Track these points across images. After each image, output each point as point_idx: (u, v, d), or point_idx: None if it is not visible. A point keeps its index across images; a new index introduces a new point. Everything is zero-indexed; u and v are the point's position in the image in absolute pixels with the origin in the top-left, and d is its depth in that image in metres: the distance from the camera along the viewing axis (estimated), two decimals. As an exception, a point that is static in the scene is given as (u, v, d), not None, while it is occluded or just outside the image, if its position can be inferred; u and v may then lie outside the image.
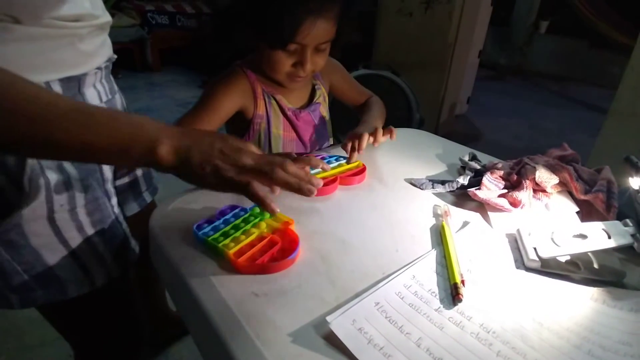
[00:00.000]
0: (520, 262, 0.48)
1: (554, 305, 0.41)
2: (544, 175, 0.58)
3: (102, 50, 0.56)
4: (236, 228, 0.50)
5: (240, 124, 0.77)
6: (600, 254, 0.47)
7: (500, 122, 3.06)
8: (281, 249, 0.47)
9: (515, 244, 0.51)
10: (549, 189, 0.58)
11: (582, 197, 0.57)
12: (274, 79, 0.74)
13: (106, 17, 0.55)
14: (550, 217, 0.56)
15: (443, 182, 0.63)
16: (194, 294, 0.41)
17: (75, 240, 0.53)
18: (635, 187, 0.52)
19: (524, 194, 0.57)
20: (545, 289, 0.44)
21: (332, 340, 0.36)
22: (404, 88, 2.03)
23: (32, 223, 0.48)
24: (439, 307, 0.40)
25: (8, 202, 0.46)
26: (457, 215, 0.57)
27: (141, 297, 0.72)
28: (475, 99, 3.13)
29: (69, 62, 0.49)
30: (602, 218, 0.53)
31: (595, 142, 1.67)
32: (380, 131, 0.70)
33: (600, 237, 0.47)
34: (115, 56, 0.61)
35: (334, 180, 0.63)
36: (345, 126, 0.81)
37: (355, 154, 0.68)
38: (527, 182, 0.58)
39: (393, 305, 0.40)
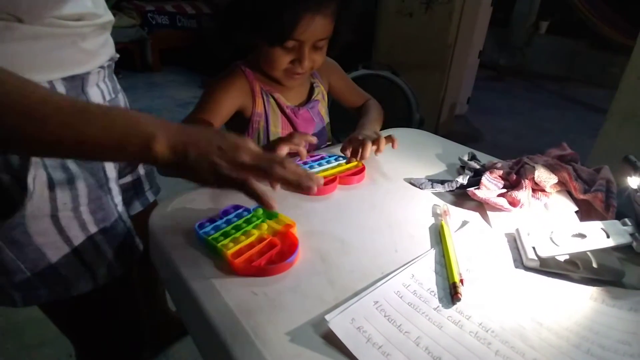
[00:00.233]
0: (519, 262, 0.48)
1: (553, 304, 0.41)
2: (543, 175, 0.58)
3: (104, 49, 0.56)
4: (237, 228, 0.50)
5: (239, 123, 0.78)
6: (599, 253, 0.47)
7: (500, 123, 3.06)
8: (280, 251, 0.47)
9: (514, 243, 0.51)
10: (548, 189, 0.58)
11: (581, 196, 0.57)
12: (273, 77, 0.74)
13: (108, 16, 0.55)
14: (549, 217, 0.56)
15: (442, 182, 0.63)
16: (193, 293, 0.41)
17: (78, 238, 0.53)
18: (634, 187, 0.52)
19: (523, 194, 0.57)
20: (544, 288, 0.44)
21: (331, 340, 0.36)
22: (404, 88, 2.03)
23: (35, 221, 0.48)
24: (438, 306, 0.40)
25: (12, 200, 0.46)
26: (456, 214, 0.57)
27: (142, 297, 0.72)
28: (475, 99, 3.13)
29: (71, 61, 0.49)
30: (601, 217, 0.53)
31: (595, 143, 1.67)
32: (383, 140, 0.70)
33: (599, 236, 0.47)
34: (118, 55, 0.62)
35: (333, 180, 0.63)
36: (344, 128, 0.81)
37: (355, 160, 0.68)
38: (527, 181, 0.58)
39: (392, 304, 0.40)
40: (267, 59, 0.70)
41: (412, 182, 0.65)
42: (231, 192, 0.42)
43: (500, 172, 0.62)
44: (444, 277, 0.44)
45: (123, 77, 3.32)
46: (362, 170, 0.67)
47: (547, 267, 0.46)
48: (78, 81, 0.51)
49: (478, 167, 0.66)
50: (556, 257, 0.47)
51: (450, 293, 0.41)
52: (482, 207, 0.59)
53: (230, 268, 0.44)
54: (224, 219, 0.51)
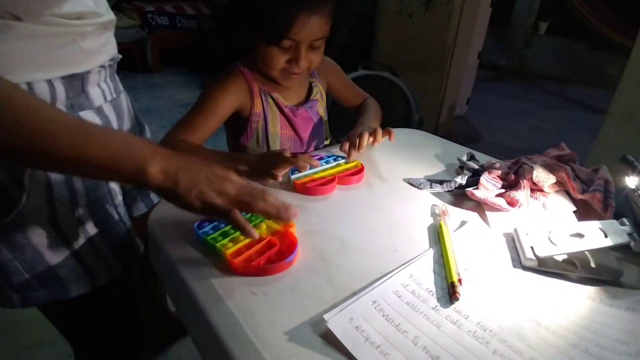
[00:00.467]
0: (518, 261, 0.48)
1: (551, 304, 0.42)
2: (541, 175, 0.58)
3: (105, 49, 0.56)
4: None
5: (238, 123, 0.78)
6: (597, 253, 0.47)
7: (500, 123, 3.06)
8: (279, 251, 0.47)
9: (513, 243, 0.51)
10: (546, 189, 0.59)
11: (580, 196, 0.57)
12: (271, 77, 0.74)
13: (110, 16, 0.55)
14: (548, 217, 0.56)
15: (441, 182, 0.63)
16: (192, 293, 0.41)
17: (77, 239, 0.53)
18: (632, 187, 0.52)
19: (522, 194, 0.57)
20: (543, 287, 0.44)
21: (330, 339, 0.36)
22: (404, 89, 2.03)
23: (33, 222, 0.48)
24: (436, 306, 0.40)
25: (10, 200, 0.46)
26: (454, 214, 0.57)
27: (142, 297, 0.72)
28: (475, 100, 3.13)
29: (71, 59, 0.49)
30: (599, 217, 0.53)
31: (595, 143, 1.67)
32: (380, 131, 0.70)
33: (597, 236, 0.47)
34: (120, 56, 0.61)
35: (332, 180, 0.63)
36: (343, 127, 0.82)
37: (355, 152, 0.68)
38: (525, 181, 0.58)
39: (390, 303, 0.40)
40: (264, 58, 0.70)
41: (411, 183, 0.65)
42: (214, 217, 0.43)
43: (499, 172, 0.62)
44: (443, 277, 0.44)
45: (123, 77, 3.29)
46: (361, 170, 0.67)
47: (545, 267, 0.46)
48: (78, 80, 0.51)
49: (477, 167, 0.66)
50: (554, 257, 0.47)
51: (449, 293, 0.41)
52: (480, 207, 0.59)
53: (229, 268, 0.44)
54: (223, 219, 0.51)
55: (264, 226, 0.50)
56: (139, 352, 0.72)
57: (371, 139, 0.69)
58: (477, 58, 2.87)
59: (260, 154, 0.68)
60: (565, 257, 0.47)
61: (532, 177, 0.58)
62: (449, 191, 0.63)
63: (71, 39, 0.48)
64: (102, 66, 0.55)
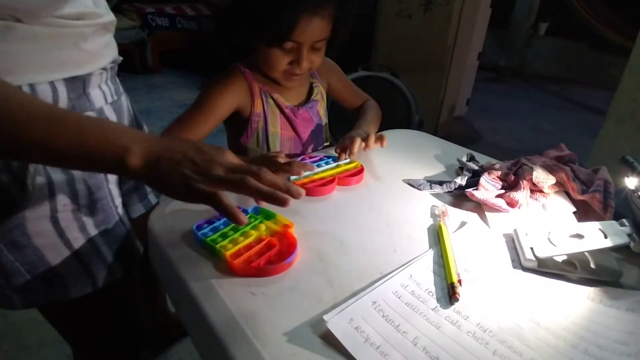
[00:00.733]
0: (517, 262, 0.48)
1: (551, 304, 0.42)
2: (541, 176, 0.58)
3: (107, 51, 0.56)
4: (235, 229, 0.50)
5: (238, 123, 0.78)
6: (597, 253, 0.47)
7: (500, 124, 3.07)
8: (278, 252, 0.47)
9: (513, 243, 0.51)
10: (546, 189, 0.59)
11: (579, 197, 0.57)
12: (272, 78, 0.74)
13: (110, 17, 0.55)
14: (547, 217, 0.56)
15: (441, 183, 0.63)
16: (192, 294, 0.41)
17: (78, 240, 0.53)
18: (632, 187, 0.52)
19: (521, 194, 0.57)
20: (542, 288, 0.44)
21: (329, 339, 0.36)
22: (403, 90, 2.03)
23: (34, 223, 0.48)
24: (436, 307, 0.40)
25: (11, 201, 0.46)
26: (454, 215, 0.57)
27: (142, 299, 0.72)
28: (475, 100, 3.13)
29: (73, 61, 0.49)
30: (599, 218, 0.53)
31: (595, 144, 1.67)
32: (372, 137, 0.70)
33: (596, 237, 0.47)
34: (121, 58, 0.61)
35: (331, 181, 0.63)
36: (343, 128, 0.82)
37: (344, 155, 0.69)
38: (525, 182, 0.58)
39: (390, 304, 0.40)
40: (266, 60, 0.70)
41: (411, 183, 0.65)
42: (230, 194, 0.41)
43: (499, 173, 0.62)
44: (442, 278, 0.44)
45: (123, 78, 3.29)
46: (361, 171, 0.67)
47: (545, 268, 0.46)
48: (79, 82, 0.51)
49: (476, 168, 0.66)
50: (554, 258, 0.47)
51: (448, 293, 0.41)
52: (480, 207, 0.59)
53: (229, 269, 0.44)
54: (222, 220, 0.52)
55: (263, 227, 0.50)
56: (138, 353, 0.71)
57: (363, 145, 0.70)
58: (476, 59, 2.88)
59: (254, 157, 0.68)
60: (565, 257, 0.47)
61: (531, 178, 0.58)
62: (448, 192, 0.63)
63: (72, 40, 0.48)
64: (104, 68, 0.55)
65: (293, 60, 0.69)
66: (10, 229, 0.47)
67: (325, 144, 0.90)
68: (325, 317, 0.37)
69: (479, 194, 0.58)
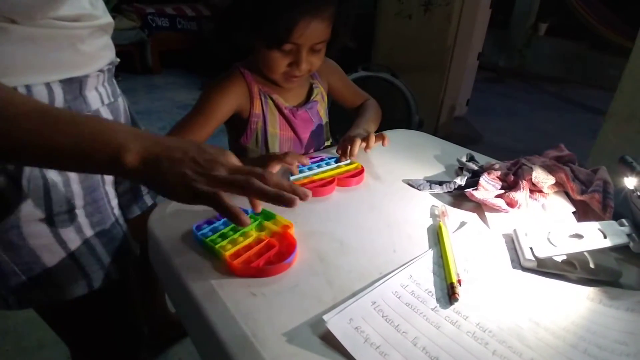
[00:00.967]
0: (517, 262, 0.48)
1: (551, 304, 0.42)
2: (540, 176, 0.58)
3: (104, 53, 0.56)
4: (235, 230, 0.50)
5: (238, 124, 0.78)
6: (596, 253, 0.47)
7: (500, 124, 3.07)
8: (278, 252, 0.47)
9: (512, 244, 0.51)
10: (545, 190, 0.59)
11: (579, 197, 0.57)
12: (271, 79, 0.74)
13: (107, 18, 0.55)
14: (547, 217, 0.56)
15: (440, 183, 0.63)
16: (192, 294, 0.42)
17: (73, 241, 0.52)
18: (631, 187, 0.52)
19: (521, 195, 0.57)
20: (542, 288, 0.44)
21: (329, 339, 0.36)
22: (403, 90, 2.03)
23: (30, 224, 0.48)
24: (436, 307, 0.40)
25: (7, 202, 0.46)
26: (454, 215, 0.57)
27: (141, 299, 0.72)
28: (475, 101, 3.13)
29: (69, 63, 0.49)
30: (598, 218, 0.53)
31: (594, 144, 1.67)
32: (373, 137, 0.70)
33: (596, 237, 0.47)
34: (118, 60, 0.61)
35: (331, 182, 0.63)
36: (344, 129, 0.82)
37: (346, 159, 0.69)
38: (524, 182, 0.58)
39: (390, 304, 0.40)
40: (265, 62, 0.70)
41: (411, 184, 0.65)
42: (230, 195, 0.40)
43: (498, 173, 0.62)
44: (442, 278, 0.44)
45: (123, 79, 3.33)
46: (361, 172, 0.67)
47: (545, 268, 0.46)
48: (76, 84, 0.51)
49: (476, 168, 0.66)
50: (553, 258, 0.47)
51: (448, 293, 0.41)
52: (480, 208, 0.59)
53: (229, 269, 0.44)
54: (222, 220, 0.52)
55: (262, 227, 0.50)
56: (137, 353, 0.71)
57: (364, 145, 0.70)
58: (476, 59, 2.88)
59: (254, 157, 0.68)
60: (565, 257, 0.47)
61: (531, 178, 0.58)
62: (448, 192, 0.63)
63: (69, 42, 0.48)
64: (101, 70, 0.55)
65: (292, 62, 0.69)
66: (6, 229, 0.47)
67: (327, 144, 0.90)
68: (325, 317, 0.37)
69: (479, 194, 0.58)
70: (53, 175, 0.48)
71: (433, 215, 0.57)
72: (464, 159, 0.70)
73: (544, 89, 4.11)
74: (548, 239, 0.48)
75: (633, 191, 0.51)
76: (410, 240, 0.52)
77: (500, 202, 0.57)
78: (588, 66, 4.11)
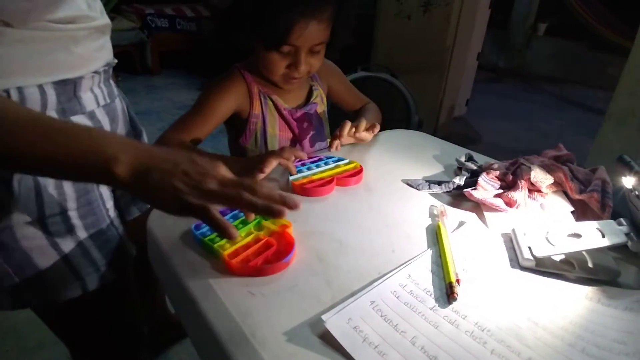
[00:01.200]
0: (516, 262, 0.48)
1: (549, 304, 0.42)
2: (539, 176, 0.59)
3: (99, 54, 0.55)
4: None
5: (237, 124, 0.78)
6: (594, 253, 0.47)
7: (499, 125, 3.07)
8: (276, 251, 0.47)
9: (511, 243, 0.51)
10: (544, 189, 0.59)
11: (577, 196, 0.57)
12: (271, 80, 0.74)
13: (104, 20, 0.54)
14: (545, 217, 0.56)
15: (439, 183, 0.63)
16: (190, 294, 0.42)
17: (67, 244, 0.52)
18: (629, 187, 0.52)
19: (520, 194, 0.57)
20: (540, 288, 0.44)
21: (328, 339, 0.36)
22: (403, 90, 2.03)
23: (22, 225, 0.48)
24: (434, 306, 0.40)
25: (0, 204, 0.46)
26: (453, 215, 0.57)
27: (141, 300, 0.72)
28: (474, 101, 3.13)
29: (63, 65, 0.48)
30: (597, 217, 0.53)
31: (593, 144, 1.68)
32: (364, 122, 0.72)
33: (594, 236, 0.47)
34: (116, 61, 0.61)
35: (330, 181, 0.63)
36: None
37: (335, 143, 0.71)
38: (523, 182, 0.58)
39: (388, 304, 0.40)
40: (265, 63, 0.71)
41: (410, 183, 0.65)
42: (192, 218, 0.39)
43: (497, 172, 0.63)
44: (441, 277, 0.44)
45: (123, 80, 3.33)
46: (360, 172, 0.67)
47: (543, 267, 0.46)
48: (70, 85, 0.50)
49: (475, 168, 0.66)
50: (552, 257, 0.47)
51: (447, 293, 0.42)
52: (478, 207, 0.59)
53: (227, 268, 0.44)
54: (222, 220, 0.52)
55: (260, 226, 0.50)
56: (137, 354, 0.71)
57: (353, 130, 0.71)
58: (476, 59, 2.88)
59: (252, 157, 0.69)
60: (563, 257, 0.47)
61: (529, 178, 0.59)
62: (447, 192, 0.63)
63: (63, 44, 0.48)
64: (96, 72, 0.54)
65: (291, 64, 0.69)
66: None
67: (326, 145, 0.90)
68: (323, 317, 0.37)
69: (478, 193, 0.58)
70: (45, 178, 0.48)
71: (432, 215, 0.57)
72: (462, 159, 0.70)
73: (544, 89, 4.10)
74: (546, 239, 0.48)
75: (631, 190, 0.51)
76: (409, 240, 0.52)
77: (499, 202, 0.57)
78: (587, 66, 4.10)
